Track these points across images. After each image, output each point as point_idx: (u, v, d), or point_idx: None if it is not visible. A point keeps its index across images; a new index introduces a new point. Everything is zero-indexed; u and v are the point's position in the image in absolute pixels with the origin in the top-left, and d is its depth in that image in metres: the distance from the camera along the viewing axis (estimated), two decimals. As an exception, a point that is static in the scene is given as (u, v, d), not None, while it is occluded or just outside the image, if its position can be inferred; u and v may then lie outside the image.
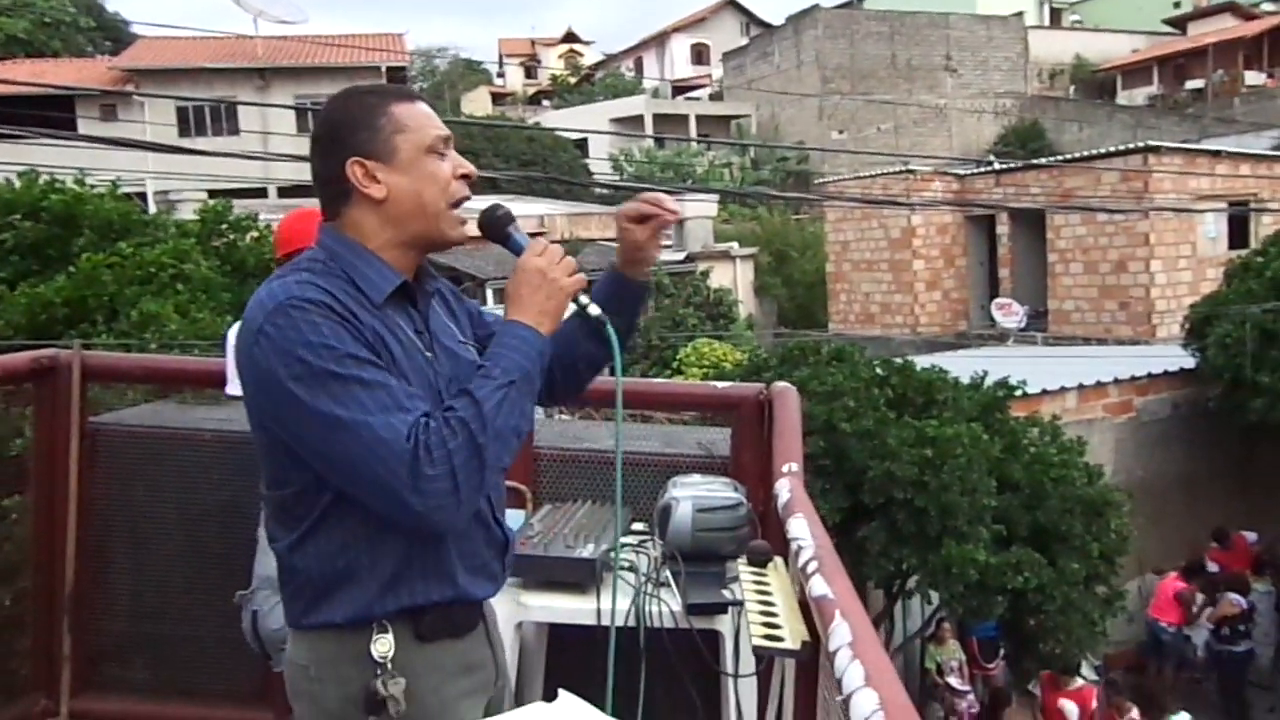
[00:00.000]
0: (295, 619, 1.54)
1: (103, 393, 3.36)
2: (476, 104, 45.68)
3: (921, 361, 8.61)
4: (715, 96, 41.86)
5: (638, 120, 35.98)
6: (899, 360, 8.08)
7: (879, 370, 7.82)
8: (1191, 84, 33.80)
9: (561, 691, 1.31)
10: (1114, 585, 7.55)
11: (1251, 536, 11.17)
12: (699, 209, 22.03)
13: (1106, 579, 7.35)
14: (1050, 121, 34.20)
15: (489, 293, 16.81)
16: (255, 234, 9.57)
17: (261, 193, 22.45)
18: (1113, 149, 17.06)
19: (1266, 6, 38.72)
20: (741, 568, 2.33)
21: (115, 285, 8.62)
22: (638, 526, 3.07)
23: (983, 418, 7.63)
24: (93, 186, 9.99)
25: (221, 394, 3.10)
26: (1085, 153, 18.11)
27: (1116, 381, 11.16)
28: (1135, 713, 7.93)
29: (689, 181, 28.93)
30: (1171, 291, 14.92)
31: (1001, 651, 9.00)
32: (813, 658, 2.00)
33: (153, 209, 16.48)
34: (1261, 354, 9.93)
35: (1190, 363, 11.32)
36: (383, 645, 1.48)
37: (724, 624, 2.61)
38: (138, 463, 3.08)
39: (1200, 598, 10.22)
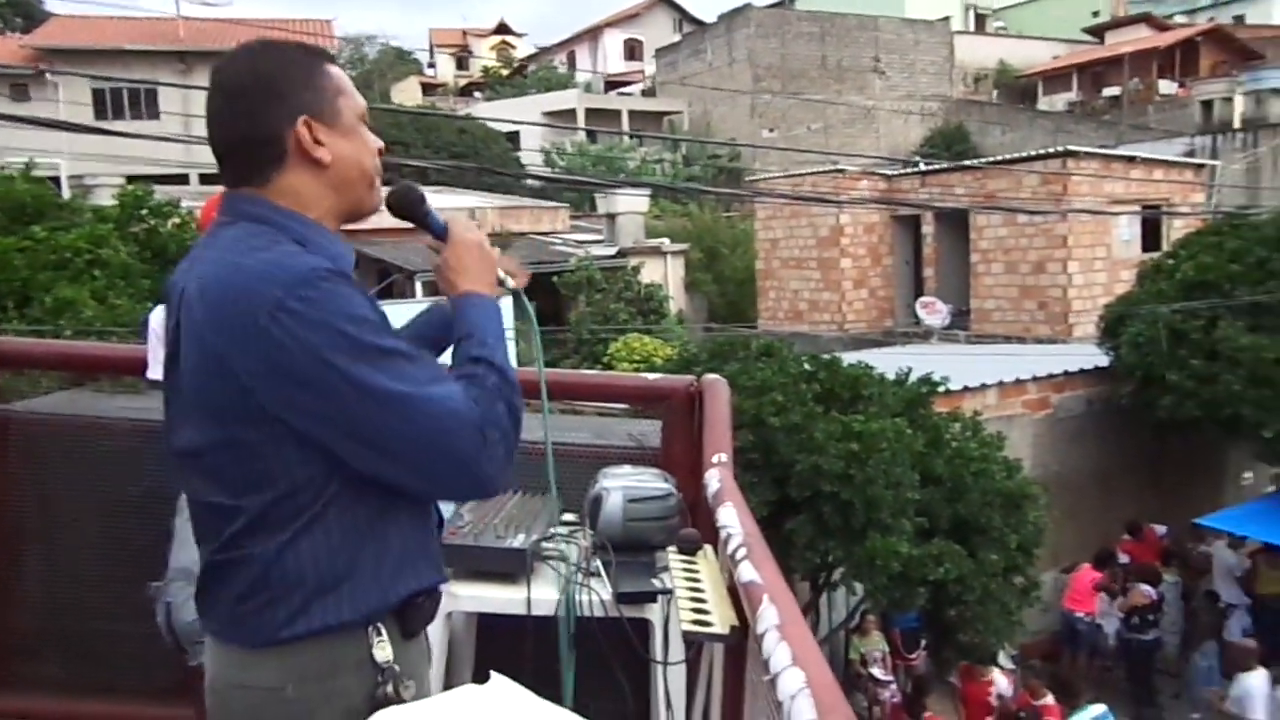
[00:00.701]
0: (268, 633, 1.34)
1: (15, 380, 3.26)
2: (406, 94, 45.08)
3: (848, 358, 8.75)
4: (648, 92, 41.92)
5: (570, 114, 35.86)
6: (826, 356, 8.20)
7: (807, 366, 7.92)
8: (1109, 91, 34.82)
9: (493, 673, 1.31)
10: (1030, 576, 7.77)
11: (1161, 530, 11.59)
12: (631, 204, 22.06)
13: (1023, 570, 7.56)
14: (975, 125, 34.96)
15: (418, 285, 16.62)
16: (177, 220, 9.33)
17: (183, 179, 21.86)
18: (1034, 153, 17.51)
19: (1179, 19, 40.10)
20: (671, 556, 2.36)
21: (28, 270, 8.34)
22: (568, 517, 3.08)
23: (907, 413, 7.78)
24: (2, 168, 9.64)
25: (140, 382, 3.02)
26: (1008, 156, 18.56)
27: (1035, 379, 11.46)
28: (1050, 698, 8.18)
29: (621, 176, 28.97)
30: (1088, 292, 15.36)
31: (923, 642, 9.19)
32: (740, 642, 2.03)
33: (66, 193, 15.93)
34: (1172, 353, 10.28)
35: (1104, 361, 11.67)
36: (385, 647, 1.38)
37: (654, 612, 2.63)
38: (52, 452, 2.99)
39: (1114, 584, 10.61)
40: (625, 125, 35.95)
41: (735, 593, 2.07)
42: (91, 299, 7.97)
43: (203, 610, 1.42)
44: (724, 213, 27.23)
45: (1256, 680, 8.44)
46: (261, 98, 1.39)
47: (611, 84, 44.17)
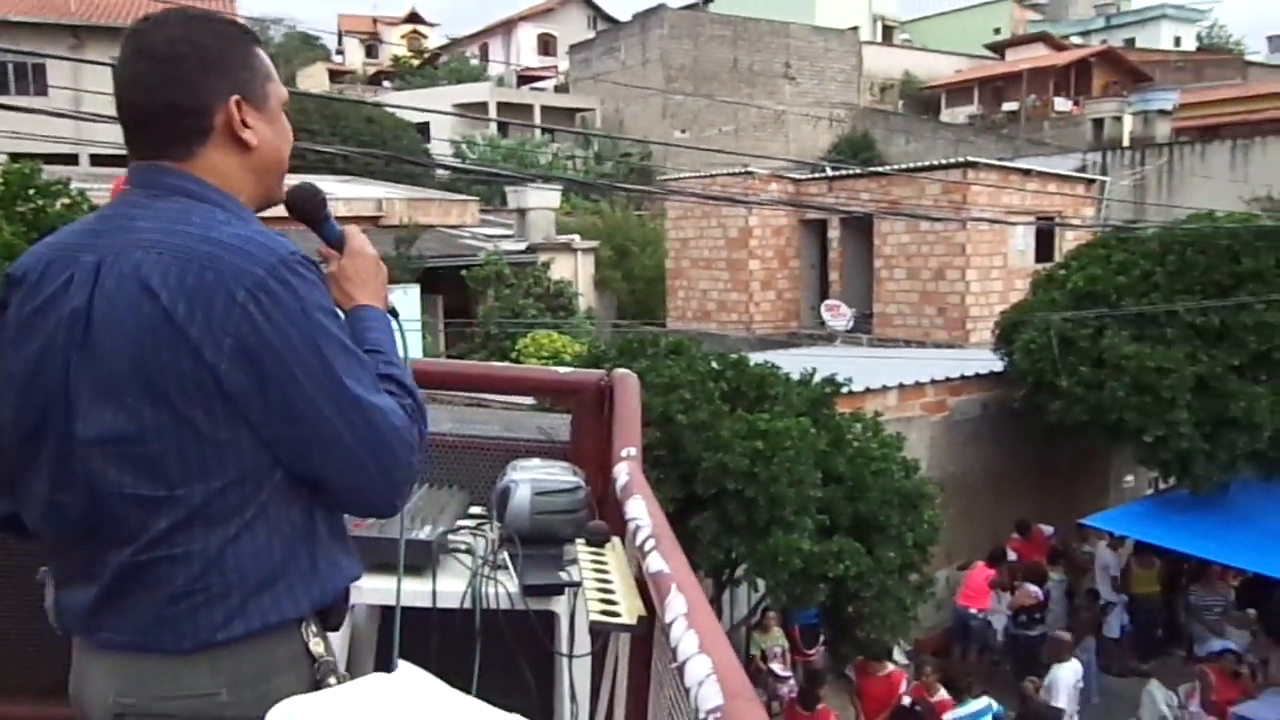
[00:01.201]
0: (202, 635, 1.27)
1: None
2: (313, 81, 44.03)
3: (755, 358, 8.86)
4: (561, 88, 41.81)
5: (482, 107, 35.54)
6: (734, 356, 8.30)
7: (714, 365, 8.00)
8: (1008, 106, 36.05)
9: (400, 661, 1.30)
10: (925, 574, 8.00)
11: (1049, 530, 12.04)
12: (542, 200, 21.96)
13: (919, 568, 7.77)
14: (880, 133, 35.77)
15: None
16: (67, 200, 8.94)
17: (72, 159, 20.96)
18: (936, 163, 18.01)
19: (1075, 40, 41.70)
20: (580, 548, 2.36)
21: (-99, 249, 7.87)
22: (475, 510, 3.07)
23: (811, 413, 7.92)
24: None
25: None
26: (911, 165, 19.05)
27: (933, 382, 11.78)
28: (943, 691, 8.44)
29: (532, 172, 28.79)
30: (984, 299, 15.86)
31: (822, 638, 9.38)
32: (647, 633, 2.05)
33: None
34: (1062, 360, 10.68)
35: (999, 366, 12.06)
36: (318, 642, 1.36)
37: (560, 605, 2.63)
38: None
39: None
40: (538, 121, 35.78)
41: (643, 584, 2.09)
42: (-28, 280, 7.58)
43: (109, 621, 1.29)
44: (635, 211, 27.32)
45: (1065, 672, 9.00)
46: (196, 67, 1.34)
47: (524, 78, 43.91)
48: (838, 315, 17.44)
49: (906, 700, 7.99)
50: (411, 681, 1.27)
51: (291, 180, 1.55)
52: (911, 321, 16.60)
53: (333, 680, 1.34)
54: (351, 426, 1.28)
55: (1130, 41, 42.46)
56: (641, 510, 2.26)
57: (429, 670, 1.62)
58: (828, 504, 7.26)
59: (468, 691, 2.43)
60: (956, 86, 38.71)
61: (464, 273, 18.45)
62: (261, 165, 1.41)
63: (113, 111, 1.38)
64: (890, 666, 8.77)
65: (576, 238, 21.76)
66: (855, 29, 40.18)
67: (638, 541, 2.07)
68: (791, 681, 9.20)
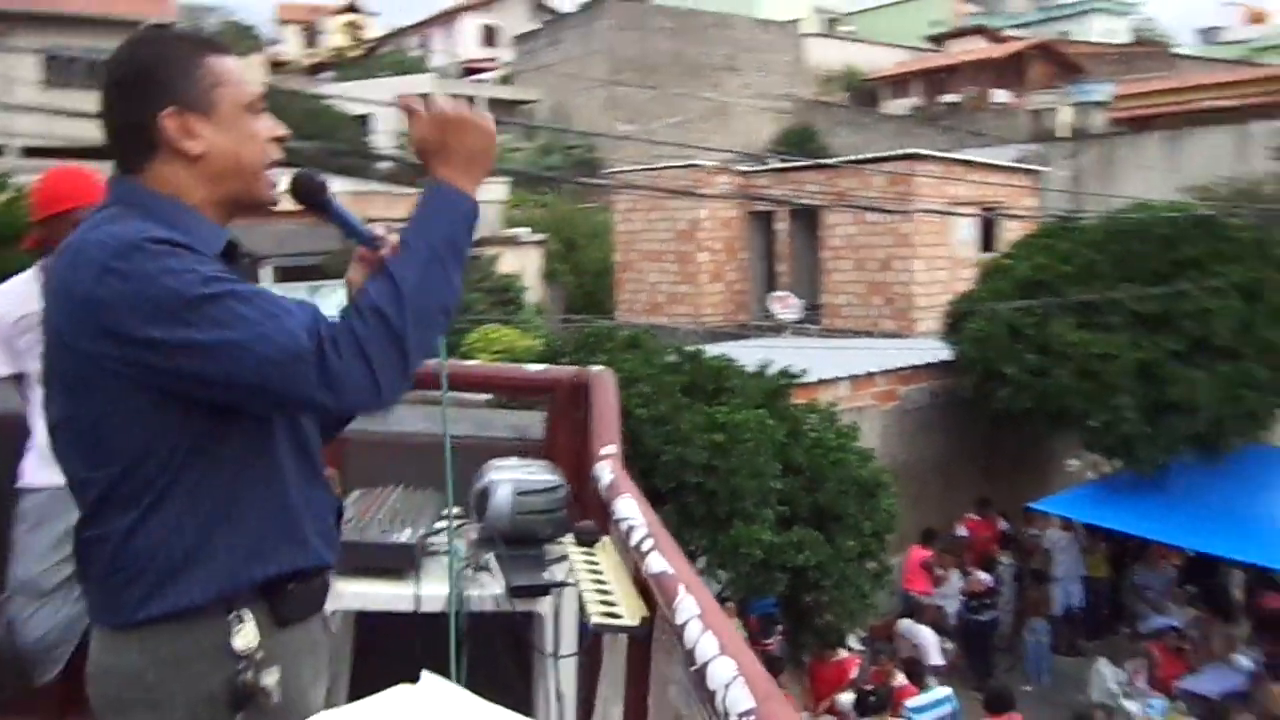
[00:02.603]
0: (126, 613, 1.35)
1: None
2: (250, 72, 43.12)
3: (711, 350, 8.90)
4: (505, 80, 41.48)
5: (420, 98, 35.10)
6: (691, 348, 8.33)
7: (672, 358, 8.02)
8: (948, 98, 36.51)
9: (425, 673, 1.28)
10: (883, 561, 8.11)
11: (1004, 525, 12.27)
12: (488, 193, 21.80)
13: (876, 555, 7.87)
14: (824, 124, 36.05)
15: (269, 270, 16.00)
16: (3, 196, 8.68)
17: (-1, 151, 20.34)
18: (881, 154, 18.21)
19: (1012, 32, 42.43)
20: (570, 548, 2.35)
21: None
22: (452, 510, 3.04)
23: (768, 404, 7.98)
24: None
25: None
26: (856, 156, 19.24)
27: (884, 372, 11.93)
28: (901, 676, 8.58)
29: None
30: (930, 289, 16.07)
31: (779, 627, 9.46)
32: (646, 634, 2.04)
33: None
34: (1009, 348, 10.88)
35: (947, 355, 12.25)
36: (246, 634, 1.36)
37: (544, 605, 2.62)
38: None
39: (946, 560, 11.20)
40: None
41: (641, 584, 2.09)
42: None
43: (83, 590, 1.44)
44: (582, 204, 27.24)
45: (925, 632, 9.63)
46: (134, 87, 1.41)
47: (468, 70, 43.49)
48: (786, 306, 17.56)
49: (867, 686, 8.10)
50: (437, 692, 1.25)
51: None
52: (859, 312, 16.77)
53: (249, 675, 1.35)
54: (228, 367, 1.27)
55: (1064, 34, 43.27)
56: (633, 509, 2.26)
57: (410, 677, 1.60)
58: (787, 495, 7.32)
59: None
60: (898, 78, 39.14)
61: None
62: (214, 171, 1.43)
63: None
64: (843, 653, 8.88)
65: (524, 231, 21.66)
66: (798, 21, 40.45)
67: (633, 542, 2.07)
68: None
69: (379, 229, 1.60)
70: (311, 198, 1.57)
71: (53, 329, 1.34)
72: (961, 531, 11.80)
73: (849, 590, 7.40)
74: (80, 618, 2.75)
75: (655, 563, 1.86)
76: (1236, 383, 10.26)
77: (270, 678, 1.36)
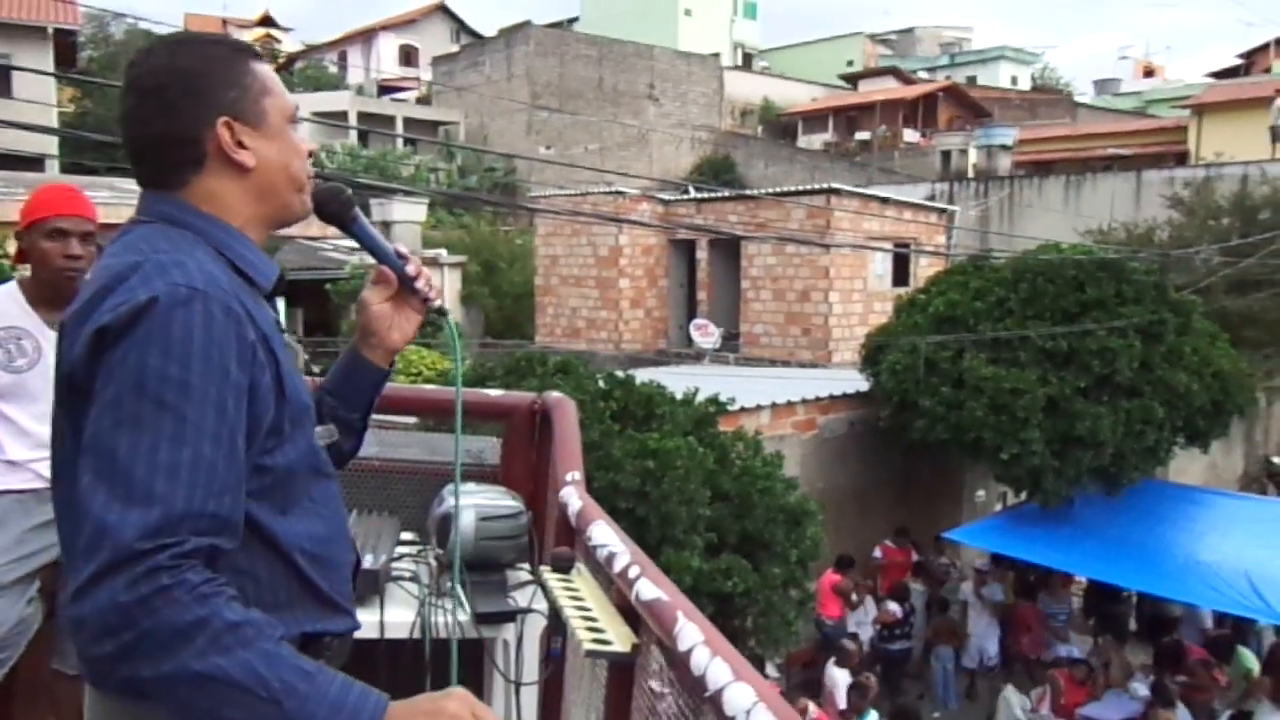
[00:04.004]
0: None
1: None
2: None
3: (639, 377, 8.93)
4: (423, 100, 41.21)
5: (341, 116, 34.67)
6: (621, 375, 8.36)
7: (602, 384, 8.04)
8: (860, 135, 37.56)
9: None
10: (806, 588, 8.22)
11: (916, 557, 12.55)
12: (408, 213, 21.54)
13: (801, 583, 7.98)
14: (741, 156, 36.73)
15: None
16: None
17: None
18: (799, 188, 18.61)
19: (922, 74, 43.86)
20: (549, 575, 2.35)
21: None
22: (407, 536, 3.01)
23: (696, 432, 8.04)
24: None
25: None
26: (775, 189, 19.63)
27: (804, 401, 12.14)
28: (812, 708, 8.68)
29: (394, 183, 28.25)
30: (846, 321, 16.45)
31: (701, 653, 9.50)
32: (629, 661, 2.06)
33: None
34: (926, 380, 11.19)
35: (865, 386, 12.54)
36: None
37: (508, 632, 2.61)
38: None
39: (861, 588, 11.38)
40: (399, 132, 35.18)
41: (624, 610, 2.10)
42: None
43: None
44: (502, 226, 27.15)
45: (839, 674, 9.38)
46: (179, 95, 1.31)
47: (385, 88, 43.08)
48: (706, 334, 17.75)
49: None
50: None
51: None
52: (777, 341, 17.04)
53: None
54: (83, 498, 1.11)
55: (972, 79, 44.95)
56: (611, 536, 2.28)
57: None
58: (716, 522, 7.38)
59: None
60: (813, 114, 40.11)
61: (327, 286, 17.93)
62: (264, 185, 1.37)
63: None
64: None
65: (443, 252, 21.45)
66: (717, 55, 41.19)
67: (617, 568, 2.08)
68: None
69: (403, 248, 1.60)
70: (337, 213, 1.54)
71: (61, 357, 1.23)
72: (877, 554, 12.05)
73: (774, 618, 7.48)
74: (32, 620, 2.67)
75: (646, 590, 1.87)
76: (1137, 419, 10.72)
77: None
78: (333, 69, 46.25)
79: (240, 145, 1.33)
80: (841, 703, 9.14)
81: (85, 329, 1.18)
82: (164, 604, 1.05)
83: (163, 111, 1.31)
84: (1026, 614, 11.80)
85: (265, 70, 1.39)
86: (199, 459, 1.12)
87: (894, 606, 11.14)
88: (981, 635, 11.41)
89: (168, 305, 1.15)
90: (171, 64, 1.32)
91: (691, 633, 1.61)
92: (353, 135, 32.97)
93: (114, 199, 13.27)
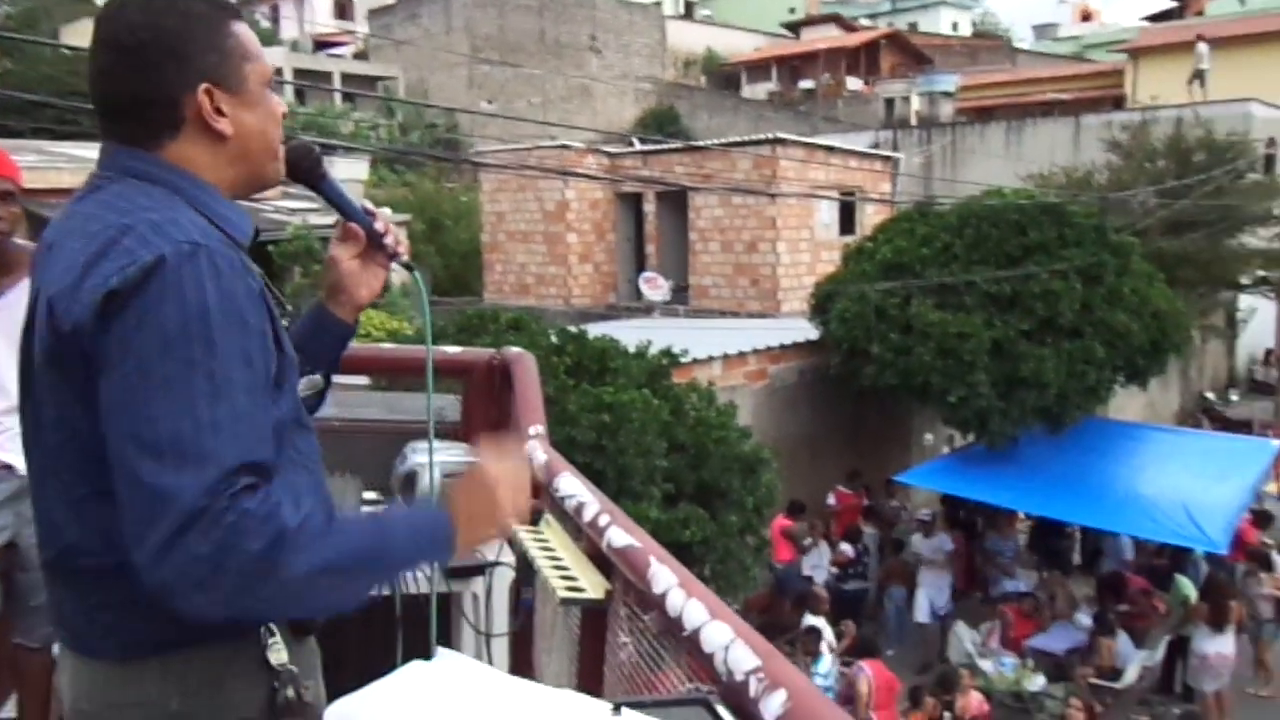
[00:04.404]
0: (144, 642, 1.22)
1: None
2: (80, 37, 40.42)
3: (593, 331, 8.95)
4: (360, 55, 40.31)
5: (275, 73, 33.80)
6: (574, 329, 8.36)
7: (555, 339, 8.04)
8: (804, 84, 37.50)
9: (439, 648, 1.30)
10: (763, 535, 8.37)
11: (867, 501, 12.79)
12: (350, 172, 21.14)
13: (757, 529, 8.12)
14: (685, 107, 36.51)
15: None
16: None
17: None
18: (744, 138, 18.57)
19: (864, 21, 43.85)
20: (516, 527, 2.37)
21: None
22: (369, 495, 3.01)
23: (650, 384, 8.10)
24: None
25: None
26: (721, 140, 19.58)
27: (755, 351, 12.24)
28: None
29: (334, 140, 27.69)
30: (794, 271, 16.55)
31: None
32: (602, 607, 2.09)
33: None
34: (874, 327, 11.34)
35: (814, 335, 12.67)
36: (279, 649, 1.25)
37: (477, 585, 2.64)
38: None
39: (815, 531, 11.59)
40: (337, 88, 34.44)
41: (596, 558, 2.13)
42: None
43: (63, 623, 1.29)
44: (446, 183, 26.80)
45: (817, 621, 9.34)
46: (160, 57, 1.26)
47: (320, 43, 42.04)
48: (655, 287, 17.76)
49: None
50: (454, 667, 1.27)
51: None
52: (726, 293, 17.11)
53: (290, 692, 1.25)
54: (128, 468, 1.12)
55: (914, 25, 45.04)
56: (579, 487, 2.30)
57: (349, 661, 1.59)
58: (672, 472, 7.46)
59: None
60: (756, 64, 39.94)
61: (270, 248, 17.58)
62: (241, 152, 1.33)
63: None
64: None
65: (387, 211, 21.07)
66: (659, 3, 40.75)
67: (587, 518, 2.11)
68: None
69: (369, 204, 1.59)
70: (308, 172, 1.52)
71: (52, 326, 1.18)
72: (831, 502, 12.27)
73: (732, 564, 7.62)
74: None
75: (618, 537, 1.90)
76: (1079, 360, 10.98)
77: (309, 693, 1.28)
78: (265, 24, 44.95)
79: (219, 113, 1.30)
80: (833, 644, 9.26)
81: (84, 294, 1.15)
82: (239, 538, 1.09)
83: (141, 72, 1.26)
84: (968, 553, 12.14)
85: (245, 31, 1.34)
86: (236, 411, 1.14)
87: (846, 547, 11.37)
88: (930, 586, 11.22)
89: (176, 263, 1.14)
90: (151, 22, 1.27)
91: (665, 576, 1.65)
92: (289, 92, 32.18)
93: (43, 163, 12.88)
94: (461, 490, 1.34)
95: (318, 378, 1.59)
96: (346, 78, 36.12)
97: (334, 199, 1.55)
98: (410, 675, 1.25)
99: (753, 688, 1.26)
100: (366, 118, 32.60)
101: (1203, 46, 24.92)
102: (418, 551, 1.28)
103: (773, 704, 1.20)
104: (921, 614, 11.20)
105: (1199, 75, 24.45)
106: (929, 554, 11.30)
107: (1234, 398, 22.20)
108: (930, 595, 11.19)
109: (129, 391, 1.12)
